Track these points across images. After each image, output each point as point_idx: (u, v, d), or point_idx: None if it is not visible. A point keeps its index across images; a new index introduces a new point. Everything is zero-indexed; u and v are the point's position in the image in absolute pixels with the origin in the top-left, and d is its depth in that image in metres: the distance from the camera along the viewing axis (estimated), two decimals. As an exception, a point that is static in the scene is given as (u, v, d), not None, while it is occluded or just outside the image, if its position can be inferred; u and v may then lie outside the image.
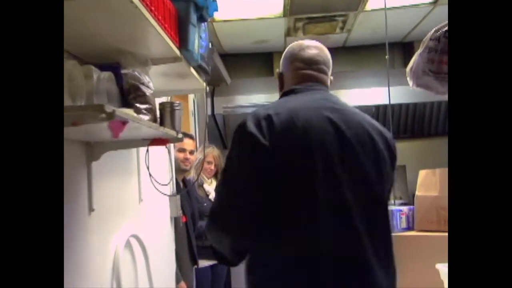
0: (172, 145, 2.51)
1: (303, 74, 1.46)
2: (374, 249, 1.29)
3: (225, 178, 1.34)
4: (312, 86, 1.44)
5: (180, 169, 2.80)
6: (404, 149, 4.02)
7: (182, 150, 2.84)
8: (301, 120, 1.30)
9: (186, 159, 3.00)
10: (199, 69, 1.73)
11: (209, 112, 4.29)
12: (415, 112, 4.55)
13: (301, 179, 1.28)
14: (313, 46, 1.49)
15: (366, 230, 1.29)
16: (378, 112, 4.52)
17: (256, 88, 4.47)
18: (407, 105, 4.44)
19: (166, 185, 2.14)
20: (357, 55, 4.83)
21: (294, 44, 1.52)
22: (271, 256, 1.28)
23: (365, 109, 4.65)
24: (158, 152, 2.15)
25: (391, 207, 1.65)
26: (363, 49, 4.78)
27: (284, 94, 1.47)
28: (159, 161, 2.21)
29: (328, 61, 1.49)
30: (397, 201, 4.44)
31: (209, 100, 4.30)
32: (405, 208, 2.26)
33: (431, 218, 2.29)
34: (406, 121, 4.59)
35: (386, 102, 4.42)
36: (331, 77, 1.50)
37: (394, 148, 1.43)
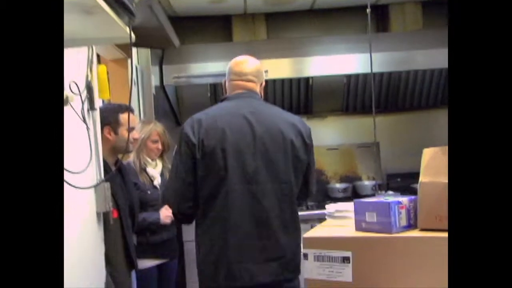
0: (95, 117, 2.04)
1: (234, 84, 1.99)
2: (281, 220, 1.87)
3: (172, 169, 1.94)
4: (241, 94, 1.96)
5: (118, 151, 2.32)
6: (377, 125, 3.69)
7: (132, 128, 2.38)
8: (222, 122, 1.88)
9: (136, 139, 2.57)
10: (115, 3, 1.29)
11: (157, 82, 3.78)
12: (390, 82, 4.18)
13: (218, 170, 1.85)
14: (244, 61, 2.01)
15: (274, 206, 1.87)
16: (350, 83, 4.13)
17: (212, 55, 3.98)
18: (381, 74, 4.07)
19: (79, 173, 1.69)
20: (325, 19, 4.40)
21: (232, 61, 2.04)
22: (204, 229, 1.89)
23: (335, 79, 4.32)
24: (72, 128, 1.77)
25: (387, 199, 1.65)
26: (332, 13, 4.36)
27: (220, 100, 2.03)
28: (72, 139, 1.77)
29: (256, 71, 2.00)
30: (370, 182, 4.15)
31: (156, 68, 3.79)
32: (404, 200, 1.74)
33: (440, 212, 1.61)
34: (380, 93, 4.23)
35: (359, 71, 4.07)
36: (263, 83, 2.04)
37: (306, 136, 2.04)
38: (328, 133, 4.42)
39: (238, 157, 1.84)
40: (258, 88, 2.00)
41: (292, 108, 4.28)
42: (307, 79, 4.09)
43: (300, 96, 4.22)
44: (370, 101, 4.25)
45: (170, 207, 2.01)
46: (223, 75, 2.07)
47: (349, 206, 1.78)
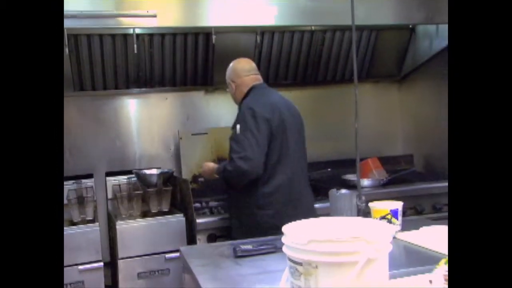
0: None
1: (252, 78, 2.67)
2: (305, 180, 2.61)
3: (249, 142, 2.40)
4: (262, 84, 2.68)
5: None
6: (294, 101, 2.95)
7: None
8: (276, 104, 2.54)
9: None
10: None
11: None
12: (311, 41, 3.45)
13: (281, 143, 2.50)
14: (245, 60, 2.76)
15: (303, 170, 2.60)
16: (262, 42, 3.32)
17: None
18: (291, 33, 3.30)
19: None
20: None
21: (235, 62, 2.75)
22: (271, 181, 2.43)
23: (245, 39, 3.45)
24: None
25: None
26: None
27: (249, 90, 2.64)
28: None
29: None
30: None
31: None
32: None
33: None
34: (298, 62, 3.49)
35: (279, 23, 3.21)
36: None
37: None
38: (232, 111, 3.57)
39: (291, 134, 2.51)
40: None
41: (179, 80, 3.39)
42: (207, 36, 3.21)
43: (197, 60, 3.33)
44: (294, 70, 3.51)
45: (252, 175, 2.39)
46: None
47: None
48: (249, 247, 1.85)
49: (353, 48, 1.50)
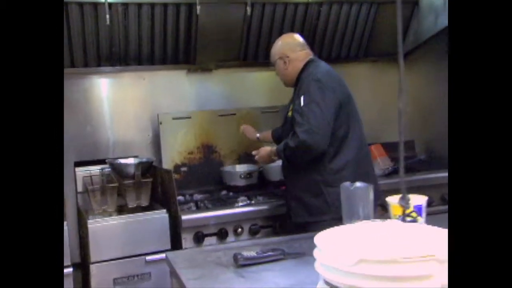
0: None
1: (306, 53, 2.48)
2: (370, 155, 2.54)
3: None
4: (316, 58, 2.51)
5: None
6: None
7: None
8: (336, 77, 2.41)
9: None
10: None
11: None
12: (305, 18, 3.13)
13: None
14: (296, 35, 2.58)
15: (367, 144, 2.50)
16: (252, 16, 2.98)
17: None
18: (295, 4, 2.97)
19: None
20: None
21: (287, 36, 2.58)
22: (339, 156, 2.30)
23: (232, 13, 3.27)
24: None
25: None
26: None
27: (307, 63, 2.44)
28: None
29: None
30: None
31: None
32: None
33: None
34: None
35: None
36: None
37: None
38: (218, 93, 3.26)
39: (355, 107, 2.44)
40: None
41: (158, 58, 3.04)
42: (190, 7, 2.85)
43: (179, 35, 2.98)
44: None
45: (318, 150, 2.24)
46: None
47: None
48: (253, 253, 1.55)
49: (398, 15, 1.20)
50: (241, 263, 1.51)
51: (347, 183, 1.87)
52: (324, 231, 1.04)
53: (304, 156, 2.26)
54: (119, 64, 3.00)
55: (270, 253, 1.56)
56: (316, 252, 0.96)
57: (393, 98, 3.62)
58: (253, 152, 2.59)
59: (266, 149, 2.51)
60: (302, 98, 2.27)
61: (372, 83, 3.55)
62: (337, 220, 2.23)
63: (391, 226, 1.15)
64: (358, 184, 1.85)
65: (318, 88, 2.26)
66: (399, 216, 1.81)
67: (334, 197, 2.25)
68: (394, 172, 2.76)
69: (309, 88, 2.27)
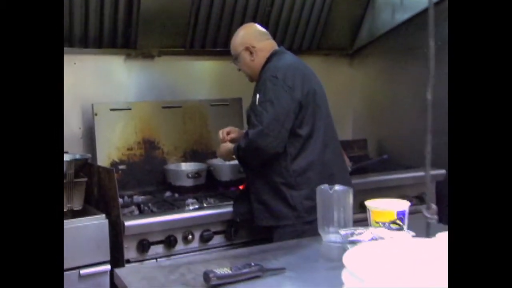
0: None
1: (271, 43, 2.30)
2: (338, 153, 2.32)
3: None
4: (283, 49, 2.32)
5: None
6: (235, 75, 2.42)
7: None
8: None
9: None
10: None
11: None
12: (258, 8, 2.90)
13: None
14: (256, 25, 2.38)
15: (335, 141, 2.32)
16: (201, 0, 2.70)
17: None
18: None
19: None
20: None
21: (246, 26, 2.37)
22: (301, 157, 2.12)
23: None
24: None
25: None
26: None
27: (271, 55, 2.25)
28: None
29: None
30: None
31: None
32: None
33: None
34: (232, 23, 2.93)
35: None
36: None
37: None
38: (162, 82, 2.95)
39: (322, 103, 2.26)
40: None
41: (92, 40, 2.69)
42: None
43: (117, 14, 2.64)
44: (227, 35, 2.86)
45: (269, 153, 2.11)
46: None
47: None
48: (227, 271, 1.30)
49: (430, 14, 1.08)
50: (213, 283, 1.26)
51: (325, 186, 1.68)
52: (350, 250, 0.82)
53: (256, 158, 2.11)
54: (46, 45, 2.61)
55: (246, 269, 1.32)
56: (344, 274, 0.74)
57: (344, 95, 3.52)
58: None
59: (227, 146, 2.28)
60: (257, 96, 2.11)
61: (323, 77, 3.36)
62: (303, 224, 2.06)
63: (410, 243, 0.96)
64: (337, 187, 1.66)
65: (273, 85, 2.09)
66: (382, 223, 1.65)
67: (298, 200, 2.10)
68: (354, 172, 2.61)
69: (265, 85, 2.11)
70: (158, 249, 2.16)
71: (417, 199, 2.74)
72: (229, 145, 2.26)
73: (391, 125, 3.26)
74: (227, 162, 2.50)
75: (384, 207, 1.63)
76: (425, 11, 2.92)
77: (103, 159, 2.63)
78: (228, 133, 2.35)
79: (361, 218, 1.68)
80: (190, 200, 2.38)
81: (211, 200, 2.41)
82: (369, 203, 1.67)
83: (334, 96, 3.37)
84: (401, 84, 3.16)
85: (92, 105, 2.65)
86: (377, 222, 1.62)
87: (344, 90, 3.44)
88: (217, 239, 2.27)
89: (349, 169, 2.60)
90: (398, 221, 1.57)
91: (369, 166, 2.79)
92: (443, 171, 2.77)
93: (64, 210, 2.21)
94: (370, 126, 3.41)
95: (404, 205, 1.66)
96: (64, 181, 2.20)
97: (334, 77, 3.41)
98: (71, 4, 2.54)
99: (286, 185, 2.11)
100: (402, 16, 3.05)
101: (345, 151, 3.13)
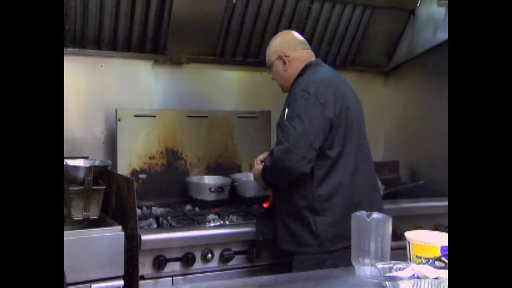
0: None
1: (307, 53, 2.18)
2: (371, 178, 2.17)
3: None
4: (319, 61, 2.22)
5: None
6: (267, 84, 2.33)
7: None
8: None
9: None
10: None
11: None
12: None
13: None
14: (294, 32, 2.26)
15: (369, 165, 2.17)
16: (234, 8, 2.61)
17: None
18: None
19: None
20: None
21: (284, 33, 2.26)
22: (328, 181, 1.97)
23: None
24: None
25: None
26: None
27: (305, 67, 2.13)
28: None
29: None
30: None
31: None
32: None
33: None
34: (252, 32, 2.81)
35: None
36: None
37: None
38: (189, 90, 2.84)
39: (356, 123, 2.09)
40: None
41: (121, 43, 2.61)
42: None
43: (148, 18, 2.56)
44: (259, 45, 2.77)
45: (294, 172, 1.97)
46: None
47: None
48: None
49: None
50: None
51: (361, 213, 1.53)
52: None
53: (281, 178, 1.98)
54: (72, 46, 2.52)
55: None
56: None
57: (378, 114, 3.37)
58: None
59: (258, 168, 2.12)
60: (286, 111, 1.96)
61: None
62: (326, 253, 1.91)
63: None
64: (375, 215, 1.51)
65: (304, 100, 1.94)
66: (425, 258, 1.50)
67: (322, 227, 1.95)
68: (386, 197, 2.45)
69: (295, 99, 1.97)
70: (175, 266, 2.03)
71: (453, 230, 2.57)
72: (261, 167, 2.12)
73: (425, 148, 3.09)
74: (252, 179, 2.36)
75: (428, 241, 1.47)
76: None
77: (123, 167, 2.53)
78: (262, 161, 2.20)
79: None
80: (211, 216, 2.26)
81: (234, 217, 2.28)
82: (410, 234, 1.52)
83: (366, 114, 3.25)
84: (437, 106, 2.99)
85: (116, 110, 2.55)
86: (419, 257, 1.47)
87: (377, 109, 3.29)
88: (238, 260, 2.13)
89: (381, 193, 2.44)
90: (443, 258, 1.41)
91: (403, 191, 2.62)
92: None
93: (80, 218, 2.10)
94: (403, 148, 3.24)
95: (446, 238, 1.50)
96: (81, 187, 2.10)
97: (368, 95, 3.25)
98: (101, 7, 2.46)
99: (310, 210, 1.96)
100: (444, 35, 2.89)
101: (376, 173, 2.98)
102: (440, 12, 2.89)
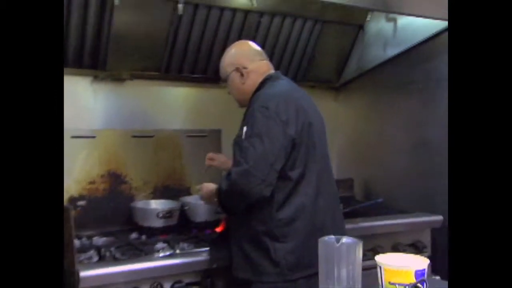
0: None
1: (265, 64, 2.05)
2: (334, 201, 2.03)
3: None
4: (278, 74, 2.07)
5: None
6: (216, 100, 2.21)
7: None
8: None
9: None
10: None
11: None
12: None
13: None
14: (251, 42, 2.12)
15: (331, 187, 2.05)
16: (181, 19, 2.44)
17: None
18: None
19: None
20: None
21: (240, 43, 2.11)
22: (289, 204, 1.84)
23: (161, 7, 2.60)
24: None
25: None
26: None
27: (264, 80, 2.00)
28: None
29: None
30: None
31: None
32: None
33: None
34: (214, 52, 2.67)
35: None
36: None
37: None
38: (132, 108, 2.64)
39: (318, 140, 2.00)
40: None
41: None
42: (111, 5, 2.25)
43: (86, 30, 2.35)
44: (210, 60, 2.62)
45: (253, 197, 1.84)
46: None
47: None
48: None
49: None
50: None
51: (330, 238, 1.39)
52: None
53: (239, 203, 1.83)
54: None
55: None
56: None
57: (329, 130, 3.26)
58: (197, 187, 2.04)
59: (209, 187, 1.97)
60: (244, 129, 1.82)
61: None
62: (287, 283, 1.77)
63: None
64: (345, 239, 1.38)
65: (264, 118, 1.80)
66: (398, 285, 1.38)
67: (281, 254, 1.81)
68: (345, 216, 2.34)
69: (254, 116, 1.82)
70: (121, 306, 1.81)
71: (412, 247, 2.50)
72: (212, 186, 1.95)
73: (379, 164, 3.04)
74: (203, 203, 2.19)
75: (401, 265, 1.35)
76: (418, 46, 2.76)
77: (59, 194, 2.28)
78: (211, 159, 2.05)
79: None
80: (160, 245, 2.06)
81: (184, 245, 2.09)
82: (380, 258, 1.40)
83: (318, 131, 3.17)
84: (390, 121, 2.96)
85: (51, 130, 2.31)
86: (392, 284, 1.34)
87: (328, 125, 3.18)
88: (191, 293, 1.94)
89: (340, 213, 2.33)
90: (419, 285, 1.29)
91: (360, 209, 2.53)
92: (439, 218, 2.54)
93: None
94: (356, 165, 3.17)
95: (422, 263, 1.39)
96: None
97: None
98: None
99: (270, 236, 1.82)
100: (393, 50, 2.87)
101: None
102: (389, 27, 2.87)
